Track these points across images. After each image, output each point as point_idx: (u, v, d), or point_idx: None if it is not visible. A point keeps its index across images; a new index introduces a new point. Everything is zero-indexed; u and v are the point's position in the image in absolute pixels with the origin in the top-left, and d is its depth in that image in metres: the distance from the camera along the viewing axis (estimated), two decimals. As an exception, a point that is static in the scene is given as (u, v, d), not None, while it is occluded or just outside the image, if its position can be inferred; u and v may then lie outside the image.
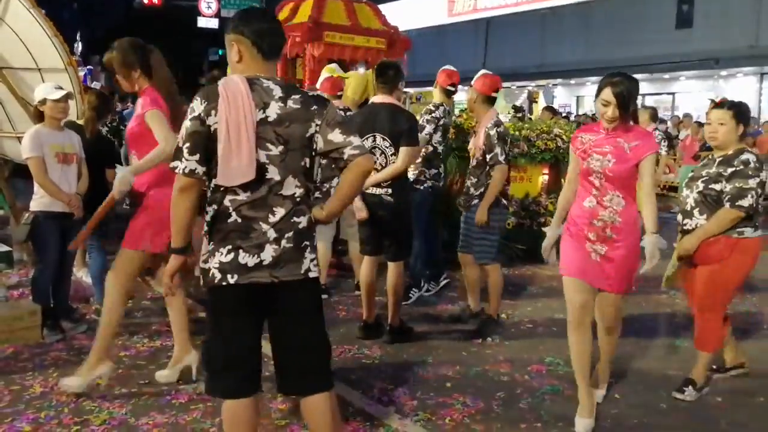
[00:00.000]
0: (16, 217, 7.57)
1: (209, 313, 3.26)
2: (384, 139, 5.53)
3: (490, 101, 6.00)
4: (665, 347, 5.74)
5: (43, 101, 5.56)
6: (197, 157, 2.95)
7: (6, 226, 8.97)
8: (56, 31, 6.67)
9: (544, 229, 4.81)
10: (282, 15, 12.06)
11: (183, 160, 2.96)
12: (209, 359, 3.21)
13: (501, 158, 5.77)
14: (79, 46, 29.86)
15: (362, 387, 4.82)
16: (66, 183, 5.60)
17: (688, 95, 26.97)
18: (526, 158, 8.61)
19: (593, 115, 16.89)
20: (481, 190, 5.94)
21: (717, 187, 4.54)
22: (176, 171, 2.98)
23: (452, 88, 7.02)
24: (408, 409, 4.48)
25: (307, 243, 3.13)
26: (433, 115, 6.58)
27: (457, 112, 8.99)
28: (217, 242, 3.04)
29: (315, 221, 3.17)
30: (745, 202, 4.44)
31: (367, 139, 5.56)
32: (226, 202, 3.00)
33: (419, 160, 6.55)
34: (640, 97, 25.46)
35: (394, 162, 5.52)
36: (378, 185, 5.56)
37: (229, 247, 3.01)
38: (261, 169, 2.97)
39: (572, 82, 30.14)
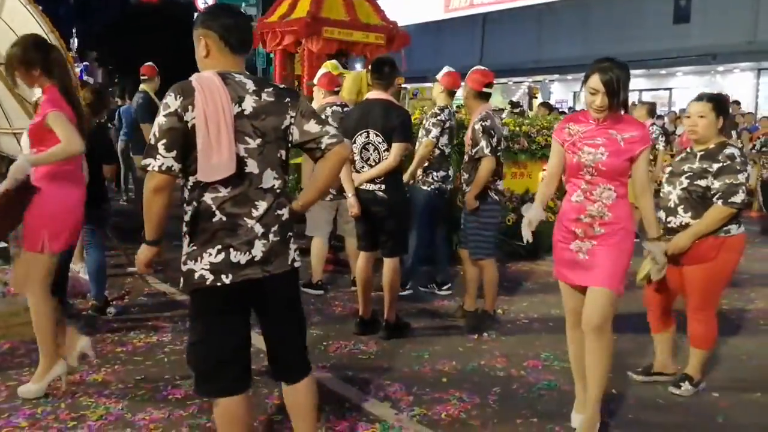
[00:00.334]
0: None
1: (196, 314, 3.17)
2: (377, 135, 5.53)
3: (483, 96, 6.00)
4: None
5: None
6: (174, 153, 2.91)
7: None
8: (52, 27, 6.65)
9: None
10: (280, 10, 12.03)
11: (158, 157, 2.90)
12: (198, 360, 3.17)
13: (486, 151, 5.79)
14: (75, 42, 29.82)
15: (358, 383, 4.83)
16: None
17: (686, 91, 26.96)
18: (526, 154, 8.62)
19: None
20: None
21: (703, 183, 4.45)
22: (151, 169, 2.91)
23: (455, 90, 7.00)
24: (404, 405, 4.48)
25: (290, 234, 3.17)
26: (439, 118, 6.55)
27: (454, 107, 8.99)
28: (203, 243, 3.01)
29: (290, 214, 3.19)
30: (737, 198, 4.37)
31: (360, 135, 5.57)
32: (208, 200, 2.99)
33: (426, 162, 6.58)
34: (636, 93, 25.58)
35: (386, 158, 5.53)
36: (371, 181, 5.56)
37: (219, 247, 3.00)
38: (240, 163, 2.97)
39: (569, 77, 30.10)
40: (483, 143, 5.79)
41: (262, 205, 3.04)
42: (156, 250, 3.19)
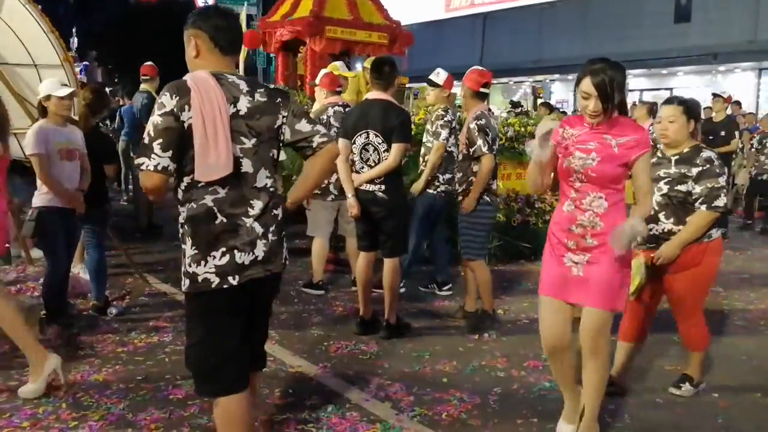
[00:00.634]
0: (13, 213, 7.56)
1: (196, 316, 3.18)
2: (377, 136, 5.53)
3: (480, 96, 6.00)
4: (661, 343, 5.74)
5: (48, 97, 5.55)
6: (170, 153, 2.92)
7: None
8: (52, 27, 6.68)
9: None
10: (282, 9, 11.95)
11: (153, 156, 2.91)
12: (199, 362, 3.19)
13: (485, 149, 5.80)
14: (74, 42, 29.80)
15: (359, 383, 4.83)
16: (69, 179, 5.61)
17: (686, 90, 26.95)
18: None
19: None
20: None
21: (683, 188, 4.35)
22: (145, 168, 2.92)
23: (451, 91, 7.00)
24: (405, 405, 4.48)
25: (284, 233, 3.28)
26: (446, 119, 6.55)
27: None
28: (206, 245, 3.03)
29: (284, 213, 3.27)
30: (720, 202, 4.31)
31: (360, 135, 5.58)
32: (209, 201, 3.01)
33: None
34: (637, 93, 25.55)
35: (386, 159, 5.53)
36: (371, 182, 5.57)
37: (223, 249, 3.04)
38: (236, 162, 3.01)
39: (569, 77, 30.04)
40: (480, 142, 5.79)
41: (258, 204, 3.10)
42: None
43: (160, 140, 2.91)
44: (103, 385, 4.68)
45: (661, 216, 4.42)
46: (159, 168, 2.91)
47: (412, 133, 6.25)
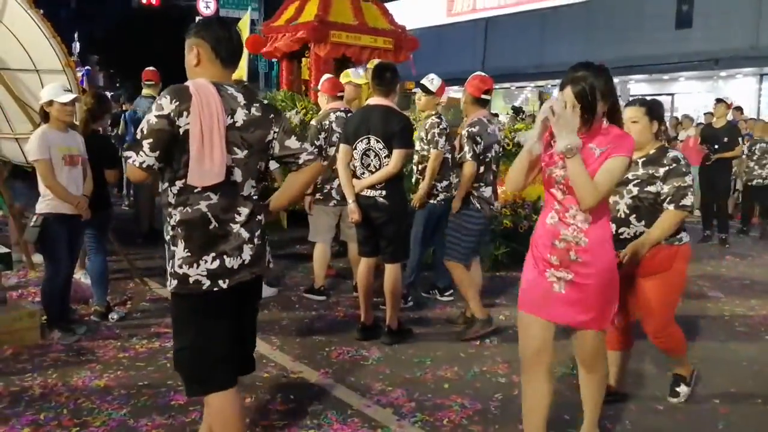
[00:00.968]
0: (15, 218, 7.58)
1: (186, 318, 3.24)
2: (378, 141, 5.54)
3: (481, 102, 6.01)
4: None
5: (50, 103, 5.56)
6: (157, 154, 3.03)
7: (5, 227, 8.98)
8: (54, 32, 6.68)
9: None
10: (287, 14, 11.88)
11: (141, 153, 3.02)
12: (191, 364, 3.25)
13: (468, 156, 5.80)
14: (76, 46, 29.85)
15: (360, 388, 4.83)
16: (73, 185, 5.62)
17: (688, 96, 26.96)
18: None
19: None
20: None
21: (653, 189, 4.26)
22: (131, 162, 3.05)
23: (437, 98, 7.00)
24: (406, 411, 4.48)
25: (266, 237, 3.38)
26: (441, 126, 6.55)
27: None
28: (199, 249, 3.13)
29: (266, 217, 3.40)
30: (688, 201, 4.24)
31: (361, 141, 5.58)
32: (203, 207, 3.11)
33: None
34: (639, 97, 25.31)
35: (387, 164, 5.54)
36: (372, 187, 5.58)
37: (214, 254, 3.14)
38: (228, 171, 3.12)
39: (571, 82, 30.03)
40: (466, 148, 5.80)
41: (245, 211, 3.21)
42: None
43: (150, 140, 3.01)
44: (104, 391, 4.69)
45: (632, 219, 4.32)
46: (144, 166, 3.04)
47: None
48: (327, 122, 6.80)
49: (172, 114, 3.01)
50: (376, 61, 7.27)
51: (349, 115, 6.64)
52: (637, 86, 28.02)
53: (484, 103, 6.05)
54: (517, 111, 18.03)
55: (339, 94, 7.12)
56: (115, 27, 42.23)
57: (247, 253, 3.21)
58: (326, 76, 7.53)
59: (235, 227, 3.18)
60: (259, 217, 3.30)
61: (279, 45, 11.48)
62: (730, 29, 23.53)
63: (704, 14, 24.79)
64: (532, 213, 8.54)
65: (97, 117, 6.32)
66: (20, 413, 4.32)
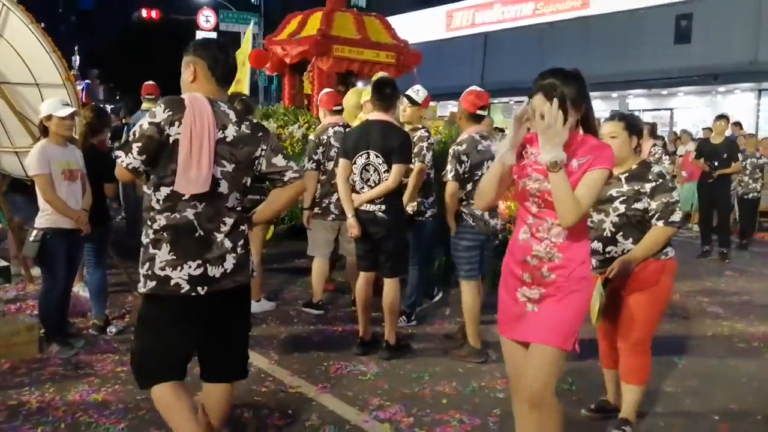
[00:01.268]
0: (14, 232, 7.57)
1: (154, 319, 3.41)
2: (377, 156, 5.55)
3: (475, 118, 5.86)
4: (660, 364, 5.72)
5: (49, 117, 5.56)
6: (143, 158, 3.22)
7: (4, 240, 8.97)
8: (54, 46, 6.70)
9: None
10: (289, 28, 11.82)
11: (129, 155, 3.22)
12: (144, 361, 3.46)
13: (449, 175, 5.64)
14: (76, 60, 29.95)
15: (358, 403, 4.82)
16: (73, 199, 5.61)
17: (687, 111, 27.04)
18: None
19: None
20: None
21: (640, 206, 4.19)
22: (120, 162, 3.25)
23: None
24: (404, 426, 4.47)
25: (249, 247, 3.53)
26: (430, 141, 6.55)
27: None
28: (184, 253, 3.28)
29: (248, 228, 3.55)
30: (676, 217, 4.19)
31: (360, 155, 5.59)
32: (189, 215, 3.27)
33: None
34: (638, 112, 25.51)
35: (386, 179, 5.54)
36: (372, 202, 5.58)
37: (198, 261, 3.29)
38: (215, 183, 3.28)
39: (570, 96, 30.10)
40: (449, 167, 5.70)
41: (229, 222, 3.37)
42: None
43: (139, 144, 3.20)
44: (102, 405, 4.67)
45: (619, 237, 4.25)
46: (130, 167, 3.24)
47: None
48: (325, 137, 6.80)
49: (162, 123, 3.20)
50: (380, 74, 7.24)
51: (347, 129, 6.65)
52: (636, 101, 28.11)
53: (479, 119, 5.92)
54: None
55: (336, 108, 7.10)
56: (115, 41, 42.39)
57: (229, 263, 3.36)
58: (325, 90, 7.54)
59: (219, 236, 3.34)
60: (242, 228, 3.46)
61: (281, 59, 11.46)
62: (728, 45, 23.63)
63: (703, 29, 24.90)
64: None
65: (96, 131, 6.33)
66: (17, 427, 4.30)
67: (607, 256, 4.26)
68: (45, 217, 5.54)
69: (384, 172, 5.54)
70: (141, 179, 3.50)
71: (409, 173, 6.26)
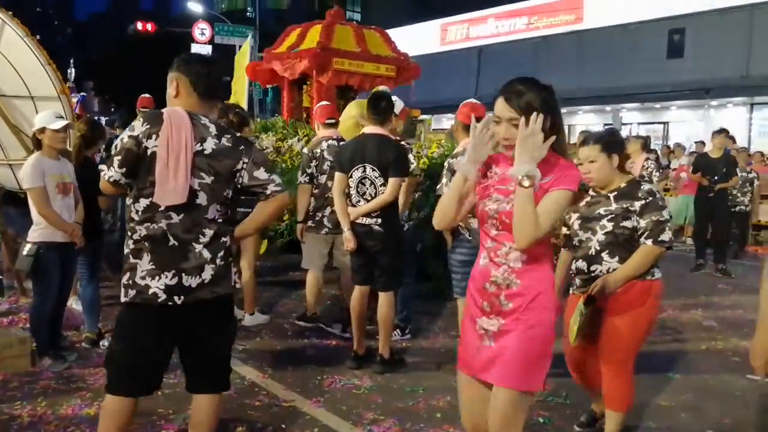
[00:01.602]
0: (7, 244, 7.55)
1: (132, 326, 3.47)
2: (373, 170, 5.56)
3: (469, 130, 5.92)
4: (657, 379, 5.73)
5: (42, 130, 5.54)
6: (124, 170, 3.32)
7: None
8: (49, 59, 6.69)
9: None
10: (288, 41, 11.79)
11: (111, 168, 3.34)
12: (119, 366, 3.47)
13: (445, 189, 5.56)
14: (72, 73, 29.93)
15: (352, 417, 4.80)
16: (67, 213, 5.58)
17: (680, 124, 27.15)
18: None
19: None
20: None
21: (629, 224, 4.06)
22: (103, 175, 3.39)
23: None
24: (398, 441, 4.45)
25: (231, 258, 3.55)
26: (413, 153, 6.57)
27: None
28: (161, 265, 3.34)
29: (231, 240, 3.56)
30: (666, 236, 4.04)
31: (357, 169, 5.60)
32: (163, 225, 3.33)
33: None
34: (635, 125, 25.62)
35: (383, 192, 5.54)
36: (368, 215, 5.58)
37: (174, 271, 3.34)
38: (193, 194, 3.34)
39: (564, 110, 30.19)
40: (444, 180, 5.71)
41: (209, 233, 3.40)
42: None
43: (119, 157, 3.31)
44: (94, 420, 4.61)
45: (605, 255, 4.11)
46: (111, 180, 3.36)
47: (425, 167, 6.25)
48: (318, 150, 6.78)
49: (140, 135, 3.30)
50: (382, 88, 7.25)
51: (341, 143, 6.65)
52: (629, 114, 28.23)
53: None
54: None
55: (328, 121, 7.08)
56: (111, 53, 42.44)
57: (207, 273, 3.39)
58: (321, 103, 7.54)
59: (198, 247, 3.37)
60: (224, 239, 3.47)
61: (280, 72, 11.43)
62: (721, 59, 23.78)
63: (696, 44, 25.09)
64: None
65: (90, 144, 6.31)
66: (9, 442, 4.28)
67: (592, 275, 4.14)
68: (38, 231, 5.52)
69: (380, 185, 5.55)
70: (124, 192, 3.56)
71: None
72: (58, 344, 5.80)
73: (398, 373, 5.72)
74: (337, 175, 5.72)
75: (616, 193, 4.16)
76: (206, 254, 3.38)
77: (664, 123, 27.98)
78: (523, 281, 2.99)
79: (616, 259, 4.09)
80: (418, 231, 6.74)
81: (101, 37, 46.57)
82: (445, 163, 5.81)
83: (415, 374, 5.73)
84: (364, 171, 5.58)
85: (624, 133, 25.61)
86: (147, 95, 10.16)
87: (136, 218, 3.37)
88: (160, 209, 3.31)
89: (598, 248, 4.13)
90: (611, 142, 4.25)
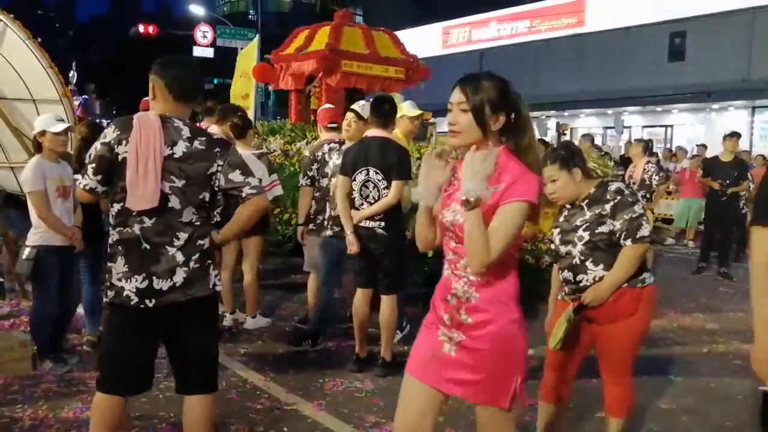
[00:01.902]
0: (8, 247, 7.55)
1: (114, 326, 3.58)
2: (377, 173, 5.56)
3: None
4: (657, 382, 5.72)
5: (43, 133, 5.54)
6: (99, 177, 3.41)
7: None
8: (51, 62, 6.69)
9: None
10: (296, 43, 11.62)
11: (86, 177, 3.42)
12: (108, 367, 3.57)
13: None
14: (74, 75, 29.97)
15: (354, 421, 4.80)
16: (66, 216, 5.57)
17: (681, 127, 27.17)
18: None
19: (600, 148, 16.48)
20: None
21: (605, 229, 3.92)
22: (78, 184, 3.48)
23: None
24: (400, 444, 4.44)
25: (210, 261, 3.55)
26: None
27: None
28: (133, 268, 3.39)
29: (211, 243, 3.56)
30: (644, 231, 3.87)
31: (360, 172, 5.60)
32: (136, 229, 3.38)
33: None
34: (637, 128, 25.62)
35: (386, 196, 5.55)
36: (371, 218, 5.58)
37: (144, 274, 3.38)
38: (164, 198, 3.37)
39: (566, 113, 30.31)
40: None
41: (183, 236, 3.43)
42: None
43: (94, 165, 3.41)
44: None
45: (589, 264, 3.95)
46: (87, 188, 3.45)
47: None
48: (320, 153, 6.78)
49: (112, 142, 3.38)
50: (397, 94, 7.24)
51: (343, 146, 6.65)
52: (631, 118, 28.24)
53: None
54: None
55: (330, 125, 7.08)
56: (112, 56, 42.49)
57: (179, 276, 3.41)
58: (324, 106, 7.54)
59: (171, 250, 3.40)
60: (200, 242, 3.48)
61: (288, 74, 11.31)
62: (722, 62, 23.81)
63: (697, 47, 25.11)
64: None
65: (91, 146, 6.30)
66: (10, 445, 4.28)
67: (580, 285, 3.99)
68: (38, 234, 5.51)
69: (384, 188, 5.55)
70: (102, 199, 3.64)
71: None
72: (59, 347, 5.80)
73: (400, 376, 5.66)
74: (341, 178, 5.73)
75: (587, 200, 4.03)
76: (180, 257, 3.41)
77: (666, 126, 28.01)
78: (482, 295, 2.86)
79: (601, 266, 3.94)
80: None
81: (103, 39, 46.65)
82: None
83: (417, 377, 5.71)
84: (368, 174, 5.59)
85: (626, 136, 25.65)
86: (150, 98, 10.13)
87: (112, 222, 3.45)
88: (132, 213, 3.36)
89: (582, 258, 3.98)
90: (568, 157, 4.08)
